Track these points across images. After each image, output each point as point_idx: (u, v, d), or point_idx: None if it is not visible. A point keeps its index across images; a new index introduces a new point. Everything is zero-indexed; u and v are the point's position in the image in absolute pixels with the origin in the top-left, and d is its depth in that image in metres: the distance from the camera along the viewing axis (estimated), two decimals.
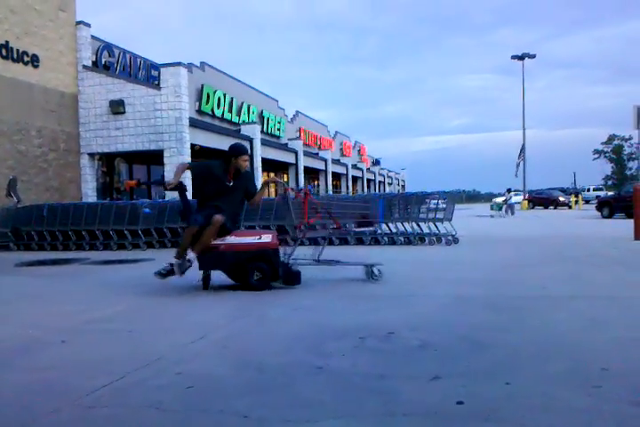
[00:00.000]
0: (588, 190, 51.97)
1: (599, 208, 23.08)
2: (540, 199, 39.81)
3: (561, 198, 38.56)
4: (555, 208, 37.33)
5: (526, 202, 39.25)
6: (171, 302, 5.40)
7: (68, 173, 16.50)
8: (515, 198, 36.19)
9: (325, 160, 32.40)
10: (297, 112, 31.83)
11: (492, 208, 28.57)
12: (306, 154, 28.50)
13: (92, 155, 17.09)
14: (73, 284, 6.96)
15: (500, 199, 37.26)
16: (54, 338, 3.89)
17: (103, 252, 11.40)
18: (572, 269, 7.03)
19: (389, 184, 55.43)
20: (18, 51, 14.76)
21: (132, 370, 3.08)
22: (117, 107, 16.41)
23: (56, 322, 4.51)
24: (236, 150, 6.04)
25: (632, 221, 11.06)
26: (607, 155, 77.78)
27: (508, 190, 29.22)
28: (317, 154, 32.24)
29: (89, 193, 16.98)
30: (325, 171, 32.56)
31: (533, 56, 41.39)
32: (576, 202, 37.23)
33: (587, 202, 41.60)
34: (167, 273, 5.65)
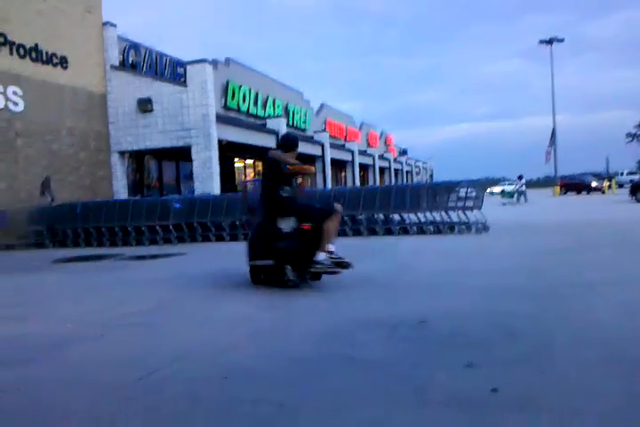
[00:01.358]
0: (622, 174, 50.72)
1: (633, 192, 22.53)
2: (573, 185, 38.97)
3: (593, 183, 37.71)
4: (587, 193, 36.58)
5: (558, 187, 38.55)
6: (203, 295, 5.46)
7: (99, 171, 16.77)
8: (507, 188, 36.26)
9: (352, 152, 32.25)
10: (322, 104, 31.72)
11: (502, 196, 28.14)
12: (332, 146, 28.41)
13: (121, 153, 17.34)
14: (108, 279, 7.10)
15: (503, 187, 36.93)
16: (91, 333, 3.98)
17: (136, 247, 11.59)
18: (606, 254, 6.90)
19: (417, 174, 54.97)
20: (47, 53, 15.01)
21: (168, 362, 3.14)
22: (145, 105, 16.58)
23: (93, 317, 4.62)
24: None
25: None
26: None
27: (519, 177, 28.65)
28: (344, 145, 32.12)
29: (120, 190, 17.24)
30: (352, 162, 32.43)
31: (562, 40, 40.44)
32: (609, 186, 36.42)
33: (620, 186, 40.61)
34: (333, 270, 5.31)
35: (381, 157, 40.18)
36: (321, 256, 5.25)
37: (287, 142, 5.73)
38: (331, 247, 5.34)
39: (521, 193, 26.96)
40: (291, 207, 5.46)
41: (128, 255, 9.98)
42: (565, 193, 37.82)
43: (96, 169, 16.66)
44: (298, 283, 5.42)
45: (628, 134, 76.52)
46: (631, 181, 34.18)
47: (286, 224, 5.40)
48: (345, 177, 33.12)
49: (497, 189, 38.02)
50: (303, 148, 24.73)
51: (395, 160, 44.74)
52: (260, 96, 22.67)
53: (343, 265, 5.29)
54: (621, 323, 3.59)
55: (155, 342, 3.67)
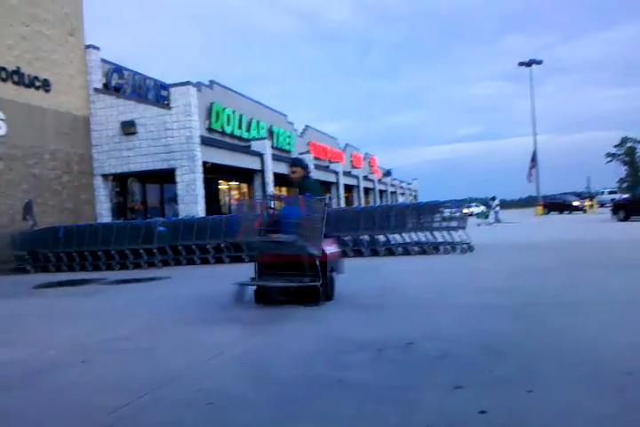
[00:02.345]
0: (603, 194, 51.49)
1: (615, 211, 22.78)
2: (555, 204, 39.44)
3: (575, 203, 38.22)
4: (569, 213, 36.99)
5: (541, 208, 38.98)
6: (188, 319, 5.40)
7: (82, 194, 16.66)
8: (475, 209, 37.84)
9: (336, 173, 32.43)
10: (306, 126, 31.95)
11: (477, 217, 28.79)
12: (317, 167, 28.52)
13: (105, 176, 17.26)
14: (91, 304, 7.01)
15: (471, 209, 38.79)
16: (74, 358, 3.91)
17: (120, 271, 11.46)
18: (589, 274, 6.95)
19: (401, 195, 55.30)
20: (29, 76, 15.00)
21: (152, 388, 3.09)
22: (129, 128, 16.59)
23: (75, 342, 4.54)
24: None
25: None
26: (620, 157, 77.16)
27: (493, 198, 29.12)
28: (328, 167, 32.28)
29: (103, 213, 17.11)
30: (337, 183, 32.58)
31: (540, 62, 41.35)
32: (591, 206, 36.90)
33: (602, 205, 41.15)
34: None
35: (366, 177, 40.42)
36: None
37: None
38: None
39: (496, 214, 27.38)
40: None
41: (111, 280, 9.86)
42: (548, 213, 38.23)
43: (79, 192, 16.54)
44: None
45: (608, 154, 77.92)
46: (612, 199, 34.63)
47: None
48: (330, 198, 33.18)
49: (465, 211, 38.50)
50: (288, 169, 24.88)
51: (379, 181, 45.02)
52: (244, 118, 22.78)
53: None
54: (606, 341, 3.61)
55: (139, 368, 3.61)
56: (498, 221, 26.68)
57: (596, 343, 3.56)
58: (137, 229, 12.04)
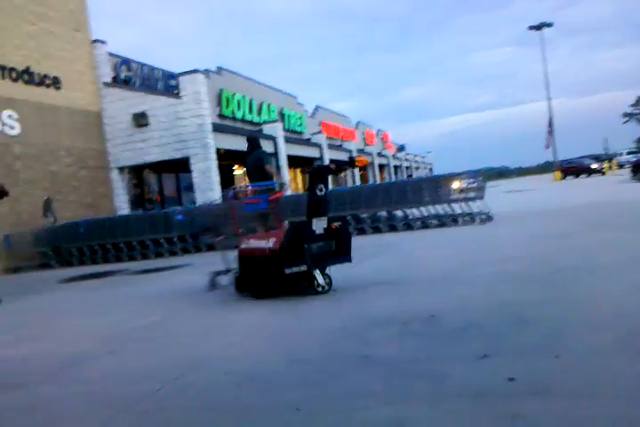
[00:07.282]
0: (622, 155, 50.51)
1: (634, 172, 22.37)
2: (572, 168, 38.70)
3: (593, 166, 37.46)
4: (588, 176, 36.37)
5: (559, 172, 38.37)
6: (211, 305, 5.44)
7: (99, 188, 16.81)
8: None
9: (350, 151, 32.25)
10: (317, 106, 31.73)
11: None
12: (329, 147, 28.39)
13: (120, 169, 17.38)
14: (115, 295, 7.11)
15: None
16: (102, 349, 3.98)
17: (142, 261, 11.59)
18: (612, 237, 6.85)
19: (417, 169, 54.93)
20: (39, 74, 15.07)
21: (181, 374, 3.13)
22: (140, 119, 16.62)
23: (102, 333, 4.62)
24: None
25: None
26: (637, 116, 75.67)
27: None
28: (341, 145, 32.10)
29: (122, 206, 17.27)
30: None
31: (551, 25, 40.41)
32: (610, 168, 36.23)
33: (621, 167, 40.38)
34: None
35: (379, 154, 40.17)
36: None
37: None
38: None
39: None
40: (325, 207, 5.22)
41: (134, 270, 9.99)
42: (564, 177, 37.60)
43: (96, 186, 16.70)
44: (328, 289, 5.14)
45: (625, 114, 76.49)
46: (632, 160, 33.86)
47: (319, 225, 5.12)
48: (345, 177, 33.08)
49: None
50: (301, 150, 24.83)
51: (393, 157, 44.72)
52: (254, 102, 22.69)
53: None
54: (634, 304, 3.56)
55: (167, 354, 3.67)
56: None
57: (623, 307, 3.52)
58: (156, 220, 12.15)
